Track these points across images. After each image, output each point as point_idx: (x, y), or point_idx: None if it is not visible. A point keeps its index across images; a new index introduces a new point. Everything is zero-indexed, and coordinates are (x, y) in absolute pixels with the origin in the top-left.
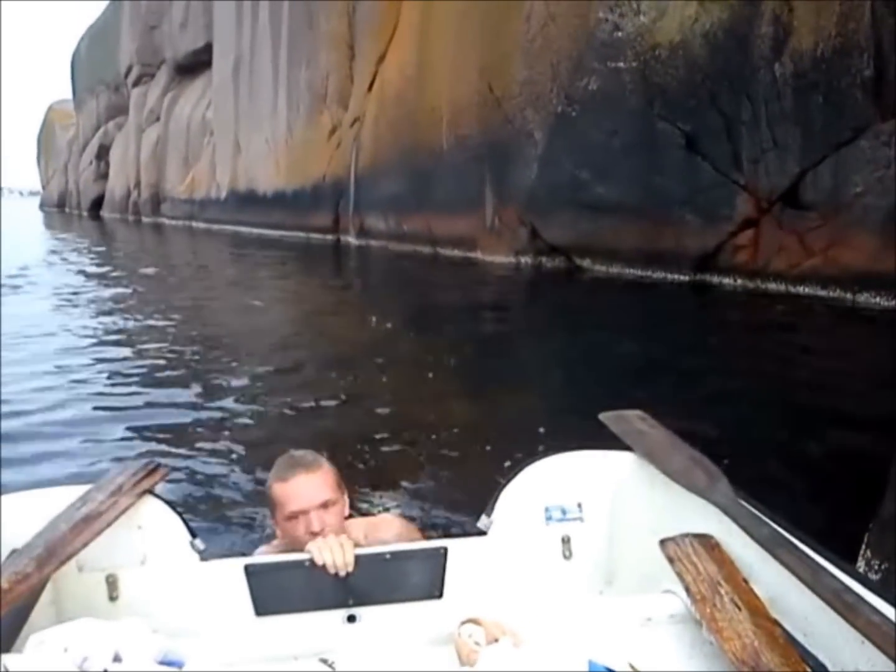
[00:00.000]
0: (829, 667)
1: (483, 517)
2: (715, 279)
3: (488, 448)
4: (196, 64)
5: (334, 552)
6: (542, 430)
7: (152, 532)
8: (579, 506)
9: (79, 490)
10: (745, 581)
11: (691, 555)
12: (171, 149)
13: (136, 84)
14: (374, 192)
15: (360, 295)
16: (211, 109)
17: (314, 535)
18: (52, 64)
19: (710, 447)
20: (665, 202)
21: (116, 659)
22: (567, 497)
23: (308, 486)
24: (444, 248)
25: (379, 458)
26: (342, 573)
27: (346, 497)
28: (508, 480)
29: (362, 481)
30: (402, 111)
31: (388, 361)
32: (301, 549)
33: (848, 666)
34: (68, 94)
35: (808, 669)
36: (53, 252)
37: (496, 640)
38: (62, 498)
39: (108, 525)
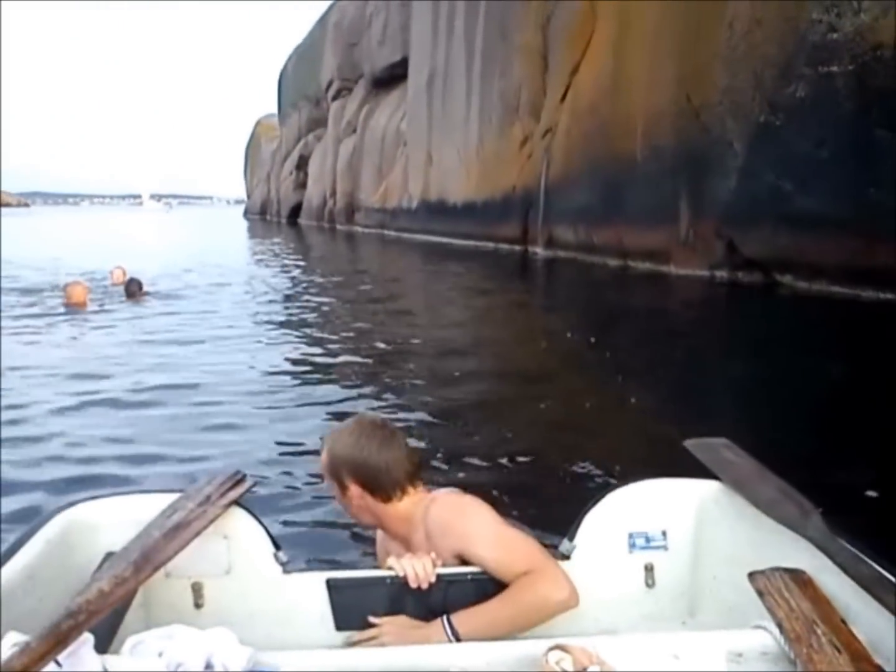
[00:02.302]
0: None
1: (565, 541)
2: None
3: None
4: (392, 77)
5: (416, 566)
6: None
7: (237, 542)
8: (664, 534)
9: (168, 498)
10: (843, 622)
11: (783, 590)
12: (366, 159)
13: (335, 98)
14: (564, 202)
15: (549, 306)
16: (405, 121)
17: None
18: (261, 82)
19: None
20: (879, 216)
21: (208, 666)
22: (651, 524)
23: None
24: (635, 260)
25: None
26: (424, 585)
27: (344, 483)
28: (592, 505)
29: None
30: (596, 122)
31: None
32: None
33: None
34: (274, 109)
35: None
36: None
37: (584, 669)
38: (152, 505)
39: (197, 534)
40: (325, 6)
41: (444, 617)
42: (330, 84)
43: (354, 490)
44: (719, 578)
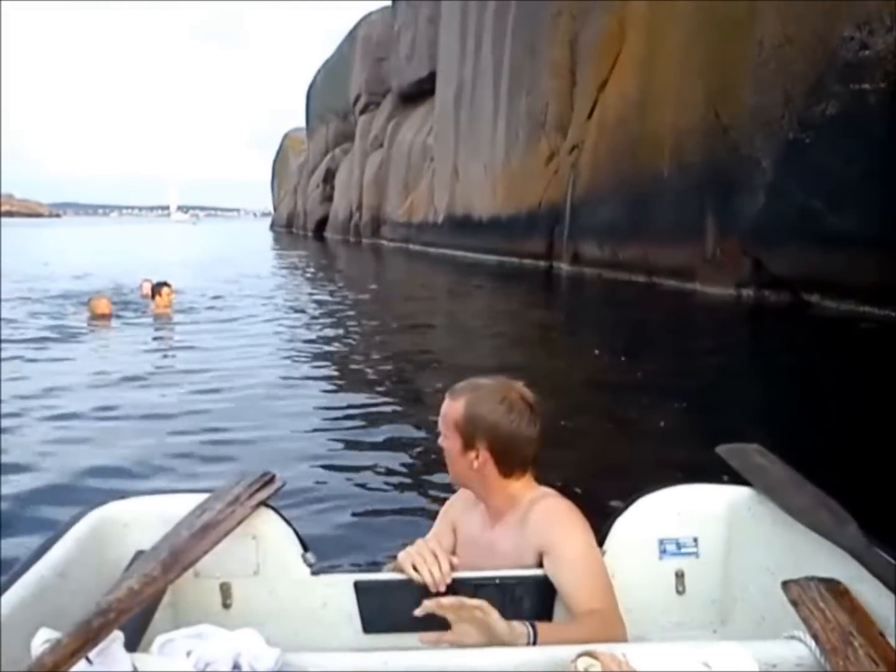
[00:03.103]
0: None
1: None
2: None
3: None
4: (419, 92)
5: (432, 570)
6: None
7: (266, 543)
8: (695, 540)
9: (197, 498)
10: (881, 634)
11: (818, 600)
12: (393, 173)
13: (362, 112)
14: (589, 219)
15: (575, 323)
16: (432, 136)
17: None
18: (290, 96)
19: None
20: None
21: (236, 666)
22: (682, 531)
23: (443, 407)
24: (661, 277)
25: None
26: (441, 588)
27: (479, 452)
28: (622, 511)
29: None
30: (623, 138)
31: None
32: None
33: None
34: (302, 123)
35: None
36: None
37: None
38: (181, 504)
39: (226, 534)
40: (354, 21)
41: (529, 624)
42: (358, 98)
43: (482, 455)
44: (751, 586)
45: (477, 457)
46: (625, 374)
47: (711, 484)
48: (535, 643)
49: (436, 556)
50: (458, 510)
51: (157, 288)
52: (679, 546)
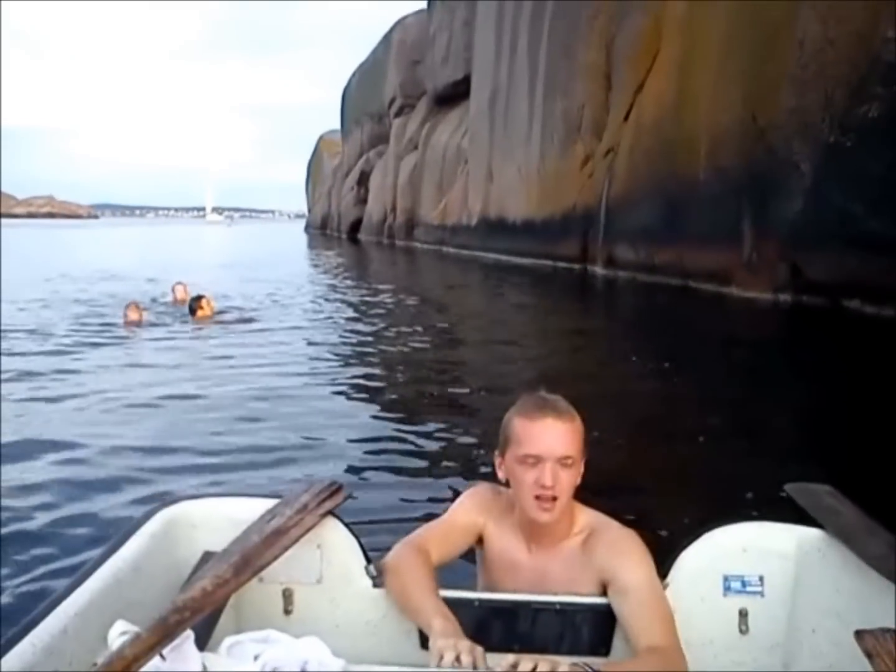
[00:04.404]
0: None
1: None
2: None
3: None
4: (454, 95)
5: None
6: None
7: (330, 552)
8: (760, 579)
9: (264, 502)
10: None
11: (895, 653)
12: (427, 176)
13: (397, 115)
14: (624, 222)
15: (612, 327)
16: (466, 138)
17: (543, 489)
18: (325, 98)
19: None
20: None
21: None
22: (748, 568)
23: (555, 432)
24: (696, 281)
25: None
26: None
27: (582, 465)
28: (687, 544)
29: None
30: (659, 141)
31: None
32: (521, 499)
33: None
34: (337, 125)
35: None
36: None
37: None
38: (248, 508)
39: (294, 542)
40: (389, 24)
41: (588, 666)
42: (392, 101)
43: (581, 470)
44: (819, 631)
45: (580, 474)
46: (667, 384)
47: (780, 523)
48: None
49: (471, 652)
50: (486, 519)
51: (196, 301)
52: (744, 584)
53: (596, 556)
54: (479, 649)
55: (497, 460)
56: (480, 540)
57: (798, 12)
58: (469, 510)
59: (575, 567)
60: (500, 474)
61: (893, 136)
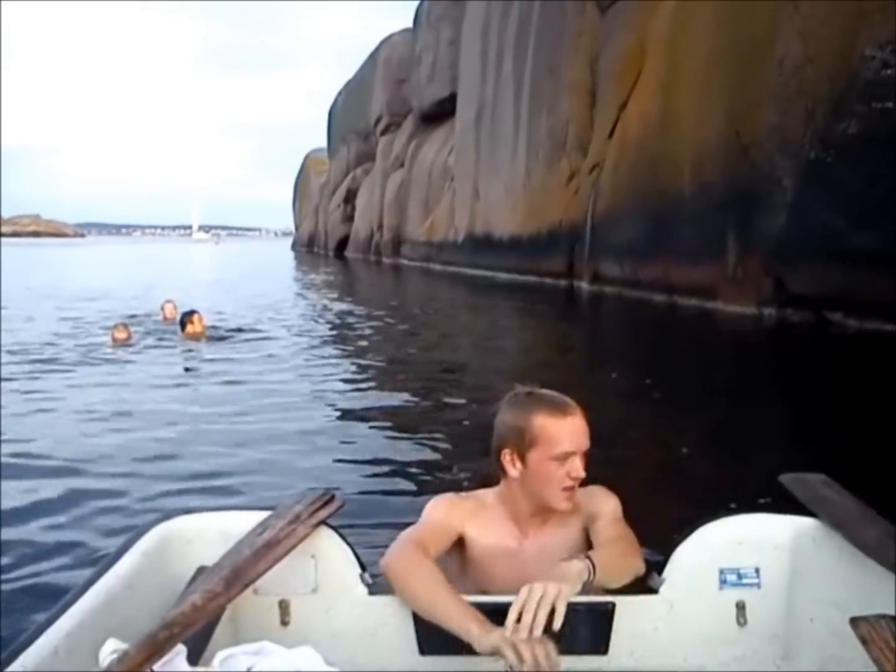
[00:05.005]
0: None
1: (654, 575)
2: None
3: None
4: (440, 113)
5: (538, 654)
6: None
7: (325, 562)
8: (757, 571)
9: (258, 515)
10: None
11: (891, 640)
12: (413, 193)
13: (383, 133)
14: (610, 238)
15: (597, 342)
16: (452, 156)
17: (574, 480)
18: (311, 116)
19: None
20: None
21: None
22: (744, 561)
23: (582, 428)
24: (681, 296)
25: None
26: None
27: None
28: (683, 539)
29: None
30: (643, 157)
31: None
32: (547, 493)
33: None
34: (324, 143)
35: None
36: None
37: None
38: (243, 521)
39: (287, 553)
40: (375, 43)
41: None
42: (379, 119)
43: None
44: (816, 621)
45: None
46: (649, 398)
47: (775, 514)
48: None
49: (544, 646)
50: (462, 522)
51: (187, 316)
52: (740, 576)
53: (580, 511)
54: (552, 644)
55: (507, 458)
56: (455, 545)
57: (779, 31)
58: (443, 515)
59: (571, 532)
60: (513, 472)
61: (873, 152)
